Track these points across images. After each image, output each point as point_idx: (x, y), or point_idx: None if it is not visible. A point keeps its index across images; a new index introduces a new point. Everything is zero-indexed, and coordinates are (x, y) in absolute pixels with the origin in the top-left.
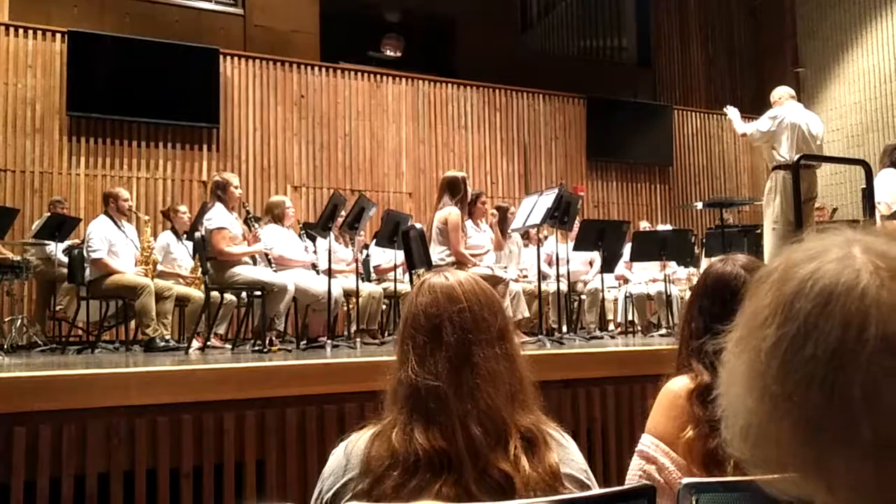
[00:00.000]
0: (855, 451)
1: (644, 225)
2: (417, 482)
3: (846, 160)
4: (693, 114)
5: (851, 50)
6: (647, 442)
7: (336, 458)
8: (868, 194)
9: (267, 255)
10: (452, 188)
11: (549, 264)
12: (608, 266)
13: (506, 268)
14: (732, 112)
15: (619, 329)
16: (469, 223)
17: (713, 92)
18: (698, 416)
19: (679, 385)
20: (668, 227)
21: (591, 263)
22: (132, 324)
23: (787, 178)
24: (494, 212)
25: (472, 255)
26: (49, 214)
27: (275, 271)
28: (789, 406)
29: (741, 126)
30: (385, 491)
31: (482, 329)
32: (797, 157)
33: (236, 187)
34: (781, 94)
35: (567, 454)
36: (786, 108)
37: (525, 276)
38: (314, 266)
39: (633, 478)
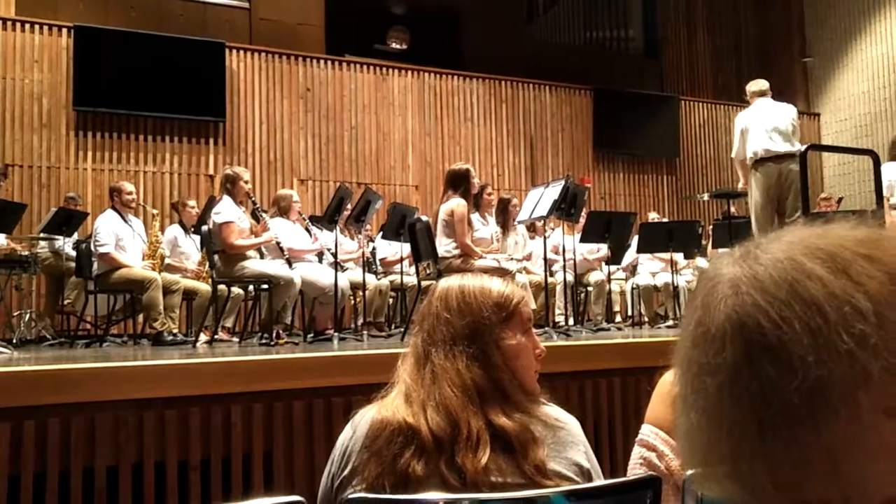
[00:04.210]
0: (703, 429)
1: (653, 216)
2: (401, 449)
3: (854, 150)
4: (700, 104)
5: (860, 38)
6: (646, 431)
7: (345, 430)
8: (877, 184)
9: (279, 243)
10: (456, 181)
11: (556, 254)
12: (615, 258)
13: (513, 258)
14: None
15: (627, 322)
16: (475, 216)
17: (720, 82)
18: None
19: (669, 375)
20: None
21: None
22: (140, 318)
23: (756, 176)
24: None
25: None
26: (56, 209)
27: (287, 259)
28: (680, 392)
29: (738, 163)
30: (382, 454)
31: (444, 331)
32: (804, 147)
33: (246, 182)
34: (751, 91)
35: (565, 452)
36: (747, 111)
37: (525, 268)
38: (328, 251)
39: (633, 466)
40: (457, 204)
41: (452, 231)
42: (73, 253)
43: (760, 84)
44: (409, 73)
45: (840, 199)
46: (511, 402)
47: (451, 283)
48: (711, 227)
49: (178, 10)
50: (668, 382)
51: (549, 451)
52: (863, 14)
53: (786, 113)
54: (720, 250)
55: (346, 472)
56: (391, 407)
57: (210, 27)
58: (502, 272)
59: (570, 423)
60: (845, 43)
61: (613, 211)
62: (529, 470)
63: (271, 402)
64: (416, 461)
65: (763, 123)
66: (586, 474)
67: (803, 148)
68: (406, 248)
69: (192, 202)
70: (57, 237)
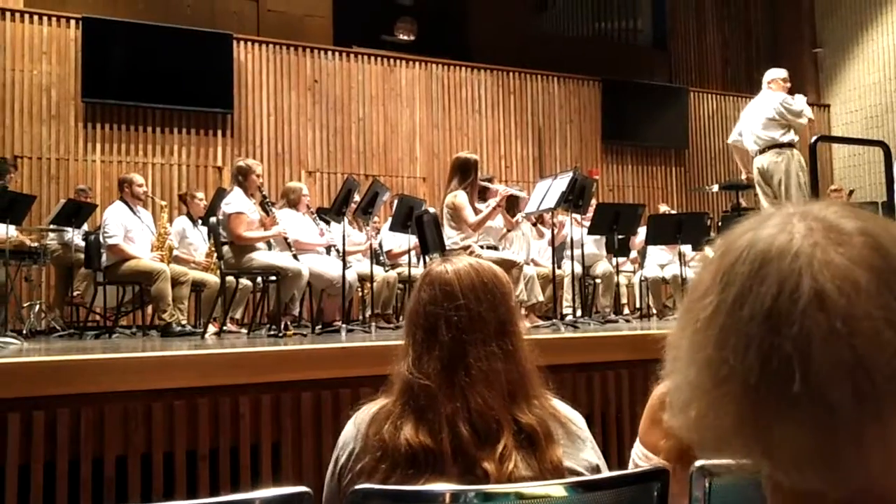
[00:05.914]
0: (792, 415)
1: (664, 208)
2: (402, 475)
3: (864, 141)
4: (709, 96)
5: (871, 29)
6: (638, 452)
7: (348, 427)
8: (887, 176)
9: (286, 238)
10: (464, 171)
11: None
12: (623, 250)
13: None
14: None
15: (635, 314)
16: (481, 206)
17: (729, 74)
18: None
19: (660, 391)
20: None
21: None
22: (149, 309)
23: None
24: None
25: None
26: (65, 201)
27: (294, 254)
28: (728, 372)
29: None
30: (377, 479)
31: (478, 328)
32: (814, 139)
33: (258, 175)
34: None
35: (577, 450)
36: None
37: (533, 260)
38: (333, 247)
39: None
40: (456, 195)
41: (458, 224)
42: (83, 244)
43: (767, 73)
44: (417, 64)
45: (851, 192)
46: (532, 395)
47: (463, 268)
48: (720, 218)
49: (187, 1)
50: (653, 398)
51: (562, 449)
52: (873, 4)
53: (766, 106)
54: None
55: (354, 472)
56: (394, 423)
57: (218, 19)
58: (509, 264)
59: (577, 419)
60: (856, 33)
61: (621, 203)
62: (546, 468)
63: (279, 393)
64: (435, 480)
65: (744, 120)
66: (595, 470)
67: (813, 139)
68: (413, 240)
69: (200, 194)
70: (66, 229)
